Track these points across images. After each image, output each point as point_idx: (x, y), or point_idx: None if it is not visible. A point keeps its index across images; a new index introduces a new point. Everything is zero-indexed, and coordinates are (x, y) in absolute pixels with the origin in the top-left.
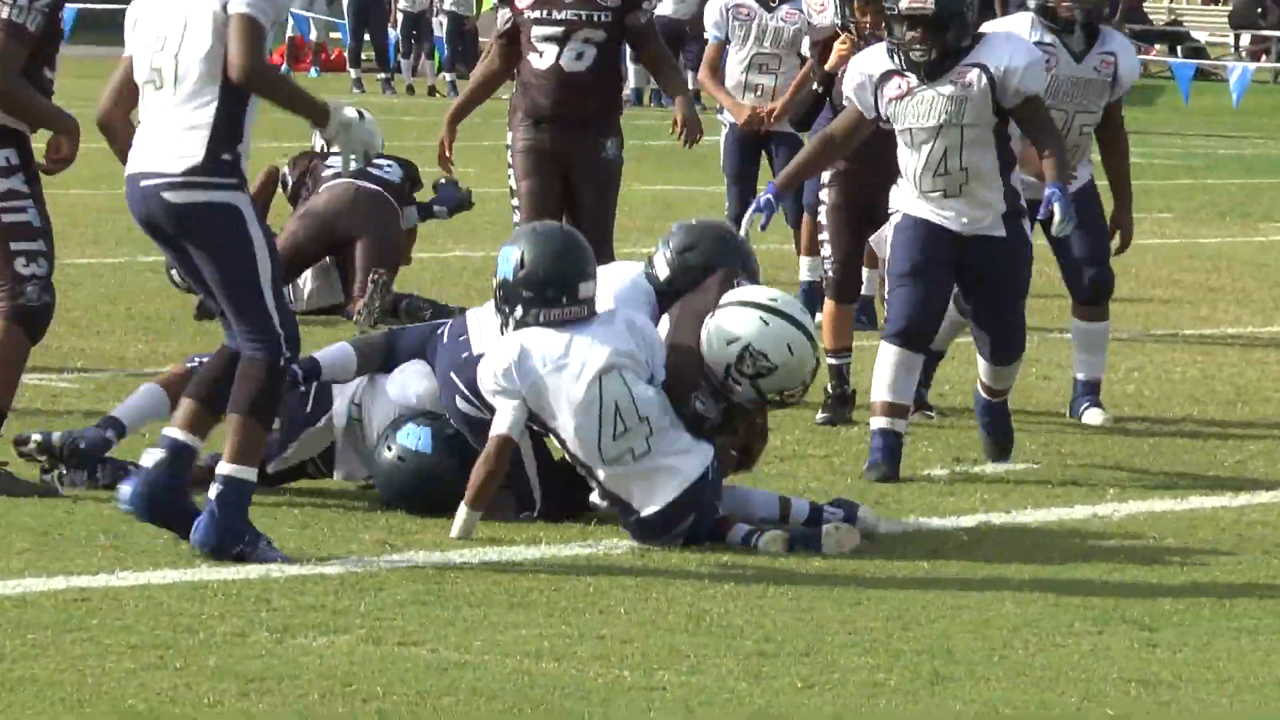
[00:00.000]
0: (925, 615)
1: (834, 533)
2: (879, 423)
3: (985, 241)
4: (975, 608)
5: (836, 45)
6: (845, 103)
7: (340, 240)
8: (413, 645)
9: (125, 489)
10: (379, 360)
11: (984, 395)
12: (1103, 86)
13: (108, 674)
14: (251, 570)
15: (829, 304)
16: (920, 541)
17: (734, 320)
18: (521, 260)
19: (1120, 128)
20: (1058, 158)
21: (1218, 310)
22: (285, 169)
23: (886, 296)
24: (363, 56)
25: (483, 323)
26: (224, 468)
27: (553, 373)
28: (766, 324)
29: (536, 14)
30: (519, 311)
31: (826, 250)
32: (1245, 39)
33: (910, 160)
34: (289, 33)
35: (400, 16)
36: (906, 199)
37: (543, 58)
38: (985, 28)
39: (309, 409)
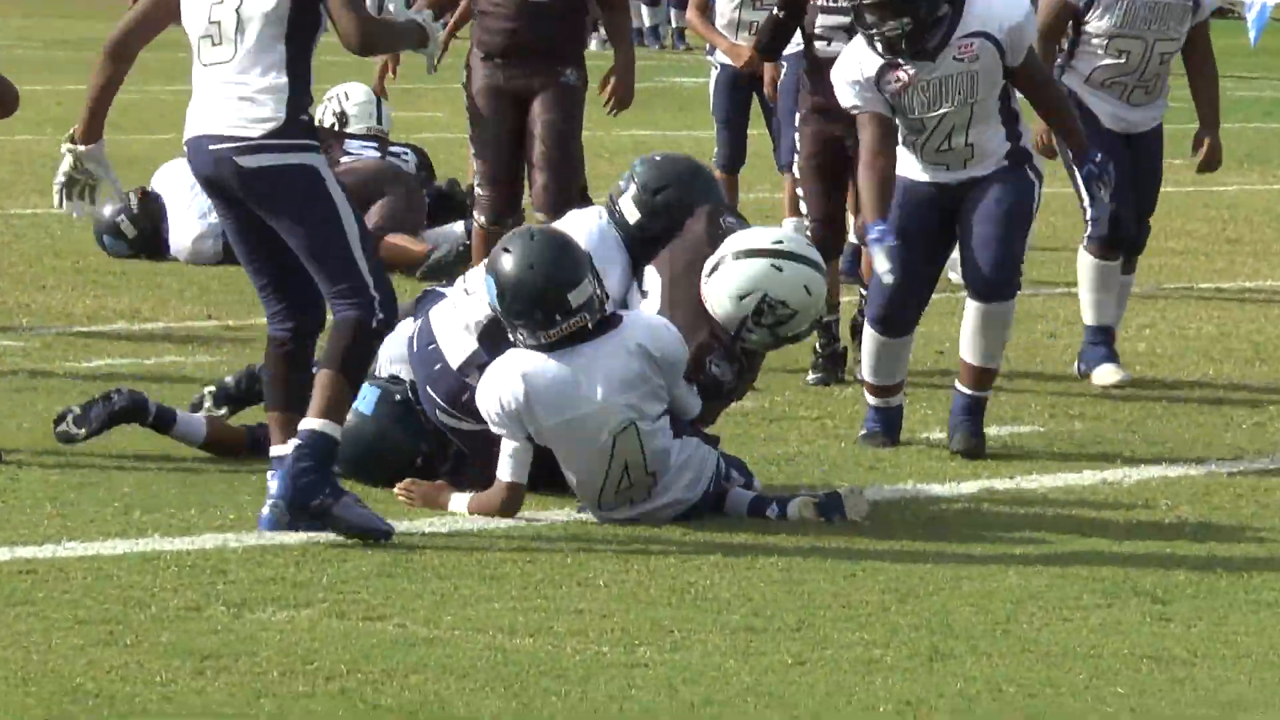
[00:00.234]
0: (924, 588)
1: (849, 496)
2: (872, 400)
3: (982, 179)
4: (977, 579)
5: None
6: (855, 110)
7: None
8: (378, 620)
9: (263, 515)
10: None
11: (963, 388)
12: (1183, 11)
13: (54, 650)
14: (206, 540)
15: None
16: (919, 509)
17: (744, 273)
18: (500, 292)
19: (1209, 52)
20: (1074, 122)
21: (1235, 263)
22: None
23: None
24: None
25: (448, 326)
26: (309, 423)
27: (560, 426)
28: (780, 270)
29: None
30: (520, 336)
31: (803, 206)
32: None
33: (911, 136)
34: None
35: None
36: (903, 164)
37: None
38: None
39: None
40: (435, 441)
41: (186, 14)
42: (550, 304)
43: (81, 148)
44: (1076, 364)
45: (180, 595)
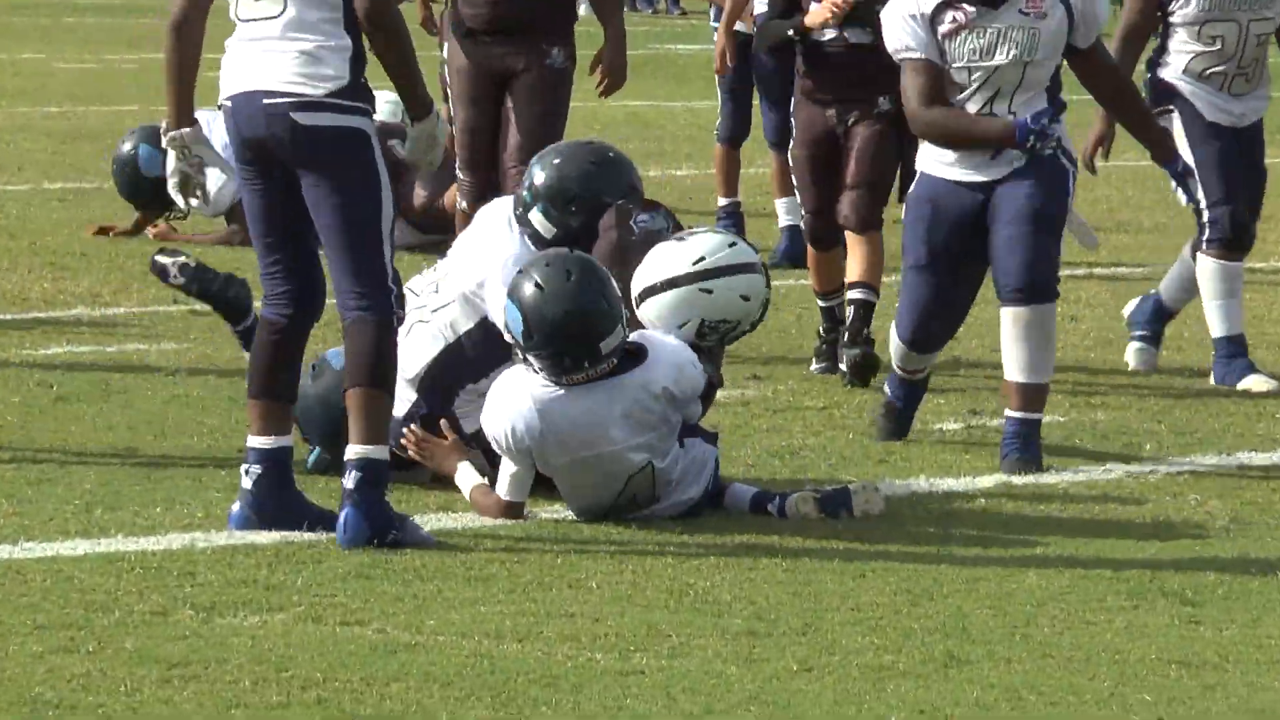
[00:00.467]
0: (938, 589)
1: (862, 491)
2: (899, 371)
3: (1013, 174)
4: (995, 580)
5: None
6: (903, 55)
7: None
8: (356, 625)
9: (234, 512)
10: None
11: (1012, 412)
12: None
13: (11, 658)
14: (173, 540)
15: (810, 250)
16: (931, 505)
17: (674, 306)
18: (527, 331)
19: None
20: (1150, 118)
21: (1267, 243)
22: None
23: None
24: None
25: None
26: (355, 450)
27: (573, 465)
28: (710, 291)
29: None
30: (537, 369)
31: (797, 197)
32: None
33: (951, 97)
34: None
35: None
36: (930, 156)
37: None
38: None
39: None
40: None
41: None
42: (581, 352)
43: (178, 133)
44: (1212, 377)
45: (145, 599)
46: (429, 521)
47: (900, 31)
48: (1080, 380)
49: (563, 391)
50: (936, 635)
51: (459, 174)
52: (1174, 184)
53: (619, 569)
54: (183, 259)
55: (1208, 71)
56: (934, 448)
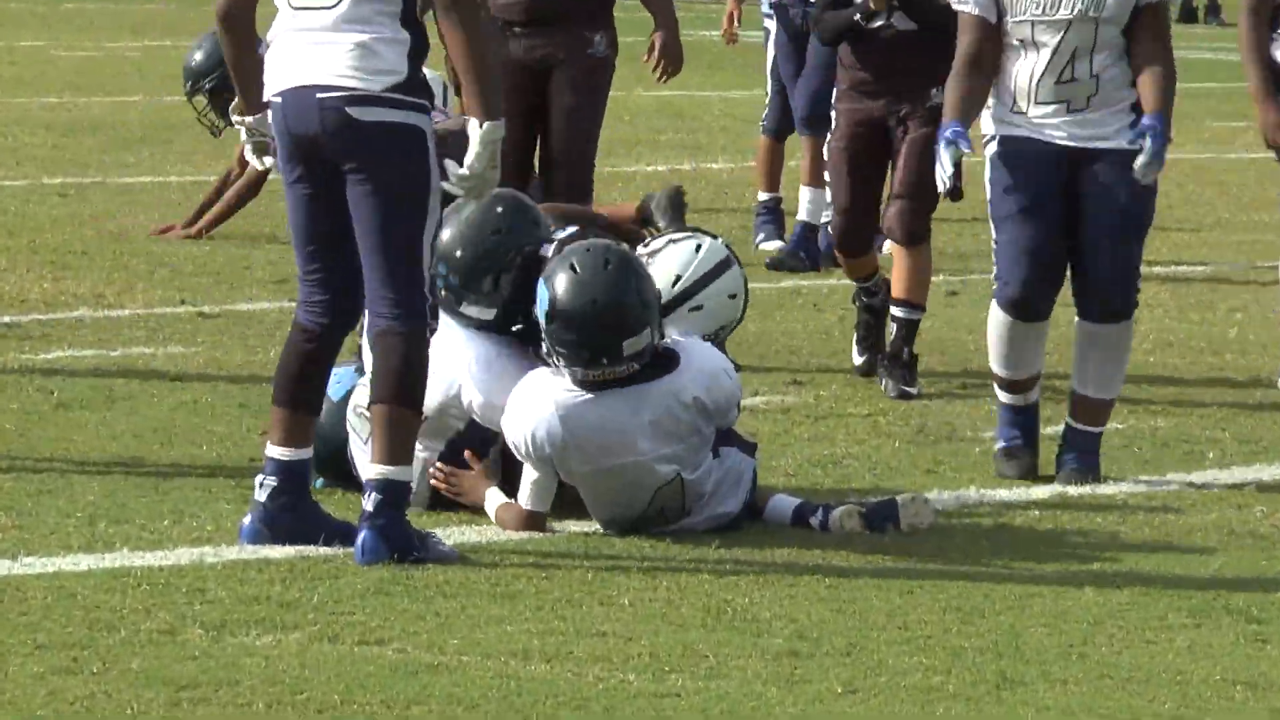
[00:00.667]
0: (989, 606)
1: (910, 504)
2: (1006, 399)
3: (1102, 156)
4: (1049, 597)
5: None
6: (958, 9)
7: None
8: (375, 644)
9: (245, 525)
10: None
11: (1075, 423)
12: None
13: (10, 680)
14: (181, 555)
15: (838, 254)
16: (983, 518)
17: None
18: (550, 313)
19: None
20: (1167, 85)
21: None
22: None
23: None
24: None
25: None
26: (375, 470)
27: (596, 474)
28: (701, 308)
29: None
30: (558, 361)
31: (827, 195)
32: None
33: (1022, 66)
34: None
35: None
36: (1003, 118)
37: None
38: None
39: None
40: None
41: None
42: (600, 347)
43: (249, 120)
44: None
45: (152, 617)
46: (452, 535)
47: None
48: (1139, 385)
49: (587, 396)
50: (988, 655)
51: None
52: None
53: (653, 585)
54: None
55: None
56: (985, 456)
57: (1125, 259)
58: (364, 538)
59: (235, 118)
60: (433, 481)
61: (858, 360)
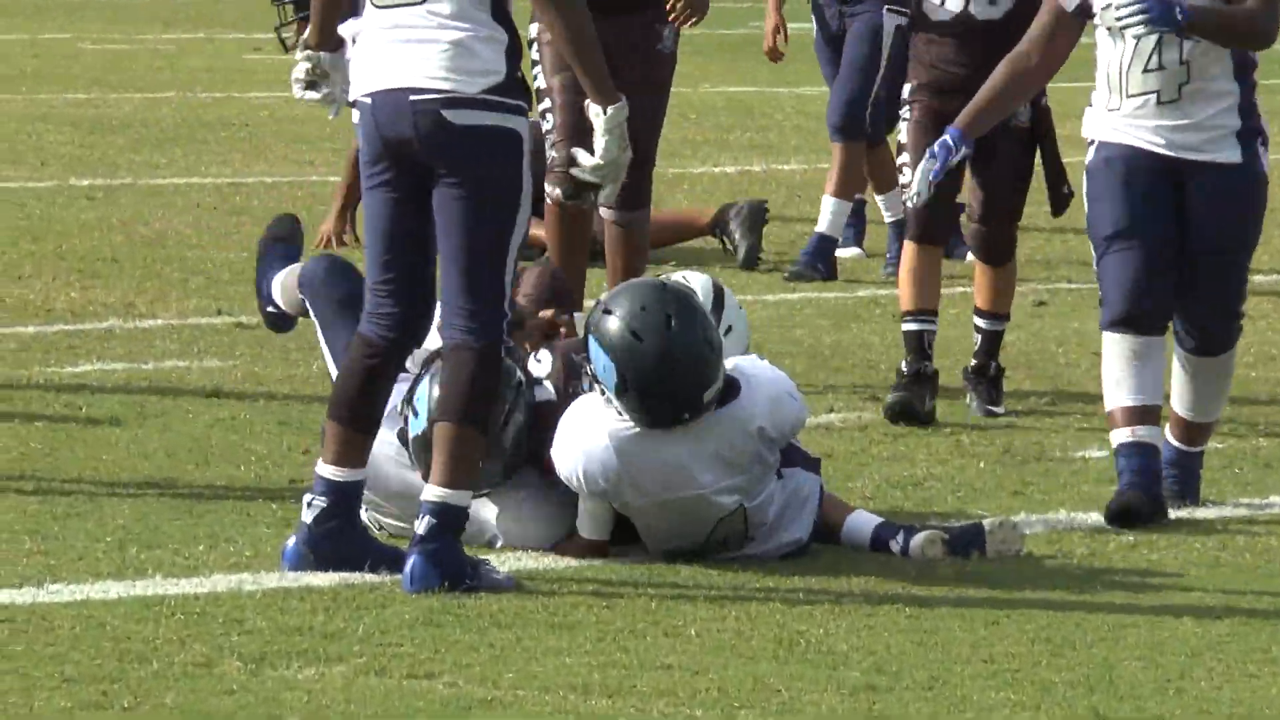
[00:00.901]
0: (1080, 638)
1: (997, 529)
2: (1120, 436)
3: (1206, 171)
4: (1144, 628)
5: None
6: None
7: None
8: (425, 678)
9: (288, 548)
10: None
11: (1174, 440)
12: None
13: (36, 715)
14: (218, 582)
15: (907, 247)
16: (1073, 543)
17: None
18: (624, 382)
19: None
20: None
21: None
22: None
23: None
24: None
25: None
26: (433, 492)
27: (653, 506)
28: (732, 328)
29: None
30: (634, 423)
31: (904, 176)
32: None
33: (1112, 55)
34: None
35: None
36: (1101, 120)
37: None
38: None
39: None
40: None
41: None
42: (684, 405)
43: (320, 54)
44: None
45: (187, 649)
46: (506, 562)
47: None
48: (1241, 403)
49: (642, 430)
50: (1080, 690)
51: (552, 155)
52: None
53: (721, 615)
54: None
55: None
56: (1075, 477)
57: (1224, 292)
58: (413, 563)
59: (300, 53)
60: None
61: (890, 400)
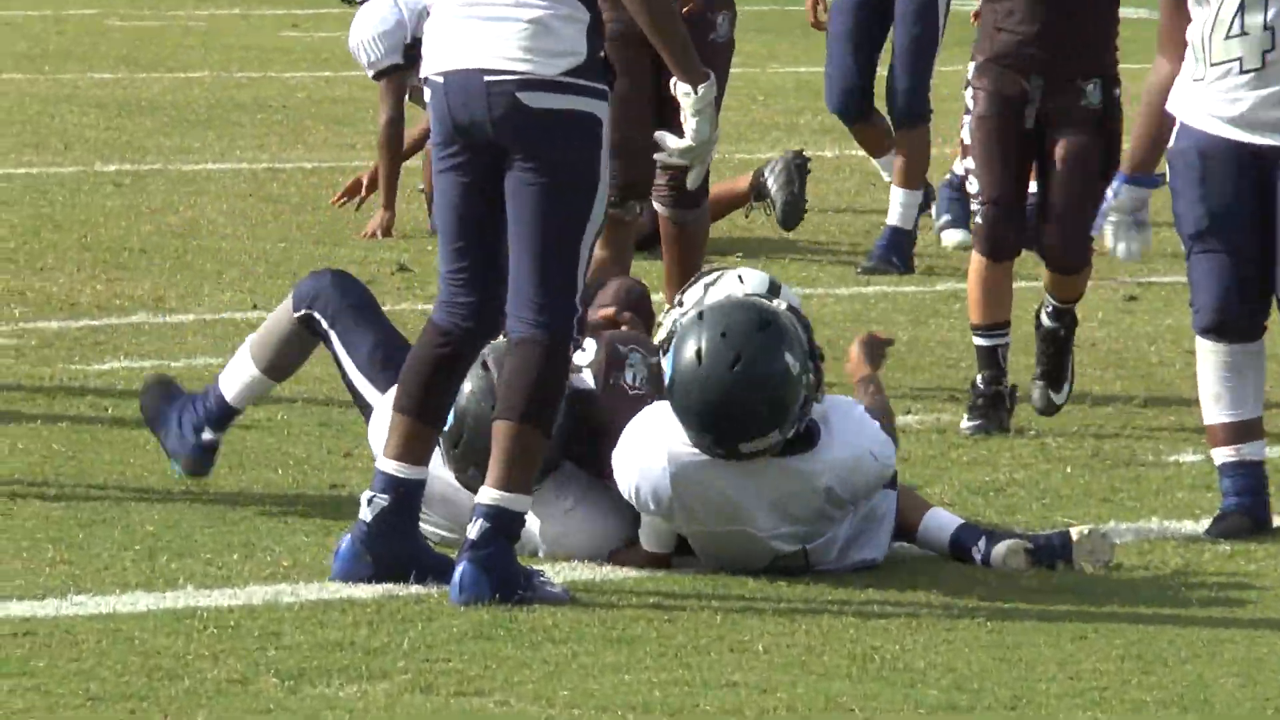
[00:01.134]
0: (1173, 654)
1: (1085, 539)
2: (1222, 455)
3: None
4: (1242, 643)
5: None
6: None
7: None
8: (475, 695)
9: (341, 548)
10: None
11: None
12: None
13: None
14: (253, 594)
15: (975, 260)
16: (1166, 554)
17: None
18: (671, 392)
19: None
20: None
21: None
22: None
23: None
24: None
25: None
26: (489, 495)
27: (706, 535)
28: (796, 310)
29: None
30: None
31: (972, 185)
32: None
33: (1196, 25)
34: None
35: None
36: (1184, 94)
37: None
38: None
39: None
40: None
41: None
42: (719, 446)
43: None
44: None
45: (220, 664)
46: (562, 573)
47: None
48: None
49: (706, 457)
50: (1173, 709)
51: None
52: None
53: (790, 630)
54: None
55: None
56: (1168, 483)
57: None
58: (463, 570)
59: None
60: None
61: (965, 426)
